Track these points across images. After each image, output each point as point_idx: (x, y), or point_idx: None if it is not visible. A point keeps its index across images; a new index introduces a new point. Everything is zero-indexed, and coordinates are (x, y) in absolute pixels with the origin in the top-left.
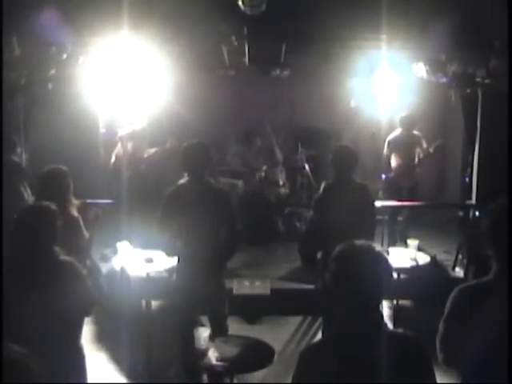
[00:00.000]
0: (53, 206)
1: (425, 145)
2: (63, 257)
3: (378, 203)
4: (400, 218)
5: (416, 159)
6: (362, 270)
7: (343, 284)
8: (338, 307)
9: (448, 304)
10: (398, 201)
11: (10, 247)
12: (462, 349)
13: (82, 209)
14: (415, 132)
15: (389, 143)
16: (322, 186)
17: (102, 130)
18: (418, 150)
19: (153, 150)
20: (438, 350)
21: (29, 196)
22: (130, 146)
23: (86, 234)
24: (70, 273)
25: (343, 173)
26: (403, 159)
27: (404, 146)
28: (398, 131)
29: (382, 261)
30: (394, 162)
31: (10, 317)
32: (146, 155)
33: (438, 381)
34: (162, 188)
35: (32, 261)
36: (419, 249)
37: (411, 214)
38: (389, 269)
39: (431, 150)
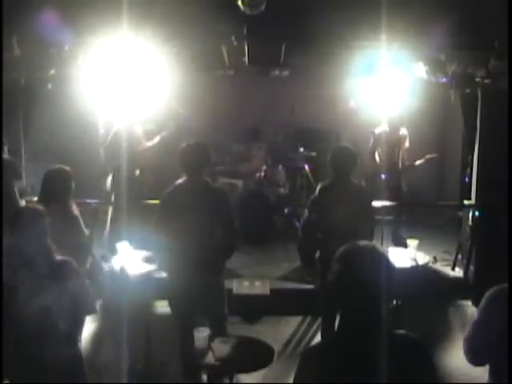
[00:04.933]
0: (39, 207)
1: (407, 144)
2: (59, 257)
3: (378, 203)
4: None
5: (400, 158)
6: (365, 271)
7: (346, 284)
8: (339, 307)
9: (479, 307)
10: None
11: (5, 251)
12: (490, 351)
13: (81, 207)
14: (402, 131)
15: (374, 137)
16: (318, 186)
17: (102, 130)
18: (402, 149)
19: (151, 142)
20: (464, 351)
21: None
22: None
23: (87, 232)
24: (67, 272)
25: (341, 173)
26: (386, 156)
27: (388, 143)
28: (384, 127)
29: (385, 261)
30: (377, 158)
31: (9, 319)
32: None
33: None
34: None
35: (27, 263)
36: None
37: (402, 214)
38: (391, 269)
39: (418, 162)
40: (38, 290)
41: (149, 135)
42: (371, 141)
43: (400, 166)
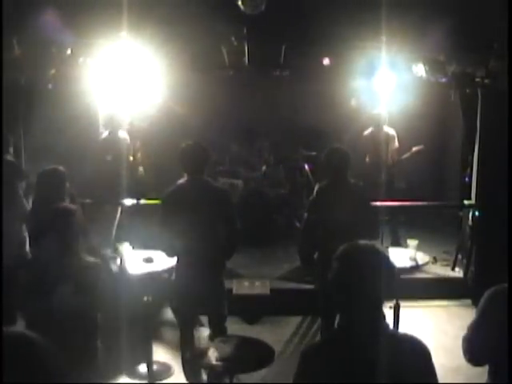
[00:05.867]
0: (73, 206)
1: (396, 144)
2: (89, 258)
3: (377, 203)
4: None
5: (389, 156)
6: (365, 270)
7: (346, 284)
8: (339, 307)
9: (478, 307)
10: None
11: (34, 248)
12: (489, 351)
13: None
14: (388, 131)
15: (363, 140)
16: (316, 187)
17: (102, 130)
18: (390, 149)
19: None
20: (463, 351)
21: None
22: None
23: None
24: (96, 275)
25: (336, 173)
26: (376, 155)
27: (375, 142)
28: (370, 128)
29: (385, 261)
30: (368, 158)
31: (30, 318)
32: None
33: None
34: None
35: (57, 261)
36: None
37: (401, 214)
38: (392, 269)
39: (404, 156)
40: (65, 290)
41: (141, 132)
42: (361, 143)
43: (390, 162)
